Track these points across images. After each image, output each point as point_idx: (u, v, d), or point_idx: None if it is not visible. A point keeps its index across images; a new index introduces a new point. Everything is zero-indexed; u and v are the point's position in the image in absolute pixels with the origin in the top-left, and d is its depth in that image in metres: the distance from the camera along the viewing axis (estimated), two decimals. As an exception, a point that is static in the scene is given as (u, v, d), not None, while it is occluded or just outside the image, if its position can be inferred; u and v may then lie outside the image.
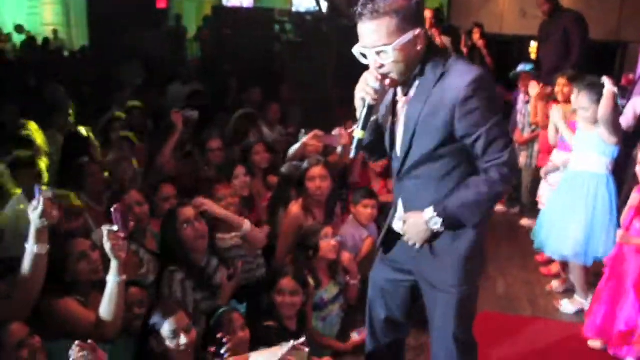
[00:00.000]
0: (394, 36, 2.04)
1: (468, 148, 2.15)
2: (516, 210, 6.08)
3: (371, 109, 2.17)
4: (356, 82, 2.17)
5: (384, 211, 3.73)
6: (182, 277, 3.03)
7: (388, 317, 2.60)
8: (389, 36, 2.04)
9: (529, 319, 3.99)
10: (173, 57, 11.25)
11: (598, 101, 3.59)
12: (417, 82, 2.17)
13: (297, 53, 8.59)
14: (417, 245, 2.30)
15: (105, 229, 2.53)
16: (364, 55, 2.12)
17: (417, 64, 2.14)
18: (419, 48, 2.11)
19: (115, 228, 2.55)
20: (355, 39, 2.11)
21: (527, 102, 5.76)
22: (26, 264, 2.47)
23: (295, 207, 3.81)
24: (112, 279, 2.56)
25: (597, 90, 3.63)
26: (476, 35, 7.24)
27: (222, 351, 2.70)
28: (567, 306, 4.04)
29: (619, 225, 3.49)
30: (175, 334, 2.54)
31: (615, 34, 8.85)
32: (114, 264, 2.55)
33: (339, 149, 4.61)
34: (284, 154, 4.81)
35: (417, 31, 2.08)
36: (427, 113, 2.13)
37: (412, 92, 2.20)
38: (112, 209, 2.62)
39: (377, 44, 2.06)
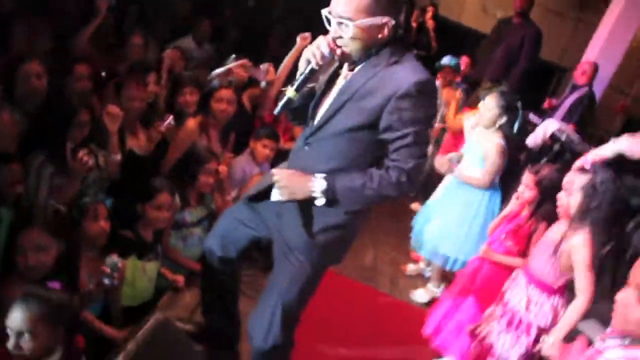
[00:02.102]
0: (361, 14, 2.01)
1: (381, 142, 2.13)
2: (412, 193, 6.24)
3: (312, 73, 2.15)
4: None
5: (280, 157, 3.78)
6: (41, 160, 2.96)
7: (221, 257, 2.64)
8: (356, 12, 2.01)
9: (378, 293, 4.16)
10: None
11: (502, 108, 3.72)
12: (367, 61, 2.13)
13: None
14: (282, 198, 2.26)
15: None
16: (328, 21, 2.08)
17: (374, 48, 2.11)
18: (380, 36, 2.08)
19: None
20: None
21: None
22: None
23: (192, 123, 3.77)
24: None
25: (506, 99, 3.75)
26: (428, 15, 7.28)
27: (112, 277, 2.77)
28: (420, 295, 4.21)
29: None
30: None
31: (558, 57, 9.06)
32: None
33: (263, 84, 4.59)
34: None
35: (385, 19, 2.05)
36: (363, 92, 2.11)
37: (358, 68, 2.17)
38: None
39: (342, 14, 2.03)
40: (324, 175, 2.17)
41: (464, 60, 6.21)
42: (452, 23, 9.33)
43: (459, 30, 9.37)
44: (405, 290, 4.29)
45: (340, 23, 2.05)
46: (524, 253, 3.17)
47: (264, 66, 4.58)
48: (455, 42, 8.22)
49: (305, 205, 2.25)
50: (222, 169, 3.78)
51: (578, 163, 3.00)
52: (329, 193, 2.16)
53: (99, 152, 3.31)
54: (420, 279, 4.45)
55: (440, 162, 4.05)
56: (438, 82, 5.96)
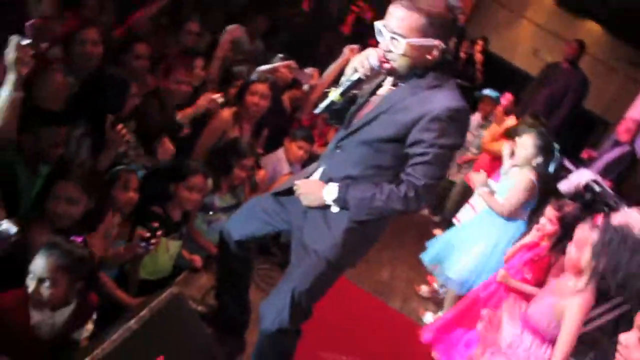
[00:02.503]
0: (414, 33, 2.07)
1: (405, 157, 2.18)
2: (437, 219, 6.26)
3: (358, 82, 2.23)
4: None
5: (312, 159, 3.84)
6: (83, 131, 3.06)
7: (238, 241, 2.69)
8: (410, 30, 2.06)
9: (388, 309, 4.17)
10: None
11: (539, 148, 3.72)
12: (411, 80, 2.19)
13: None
14: (302, 203, 2.36)
15: (14, 38, 2.36)
16: (381, 33, 2.14)
17: (420, 68, 2.16)
18: (429, 57, 2.13)
19: (26, 42, 2.37)
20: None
21: (482, 126, 5.86)
22: None
23: (226, 113, 3.85)
24: (6, 93, 2.40)
25: (543, 140, 3.74)
26: (477, 47, 7.30)
27: (152, 242, 2.88)
28: (430, 318, 4.20)
29: None
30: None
31: (603, 109, 9.00)
32: (11, 78, 2.38)
33: (305, 87, 4.67)
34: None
35: (436, 42, 2.10)
36: (399, 107, 2.16)
37: (400, 85, 2.23)
38: (28, 23, 2.51)
39: (396, 30, 2.08)
40: (338, 184, 2.26)
41: (507, 97, 6.20)
42: (500, 60, 9.36)
43: (507, 68, 9.39)
44: (416, 310, 4.30)
45: (392, 38, 2.10)
46: (540, 283, 3.16)
47: (309, 70, 4.68)
48: (501, 79, 8.23)
49: (327, 207, 2.33)
50: (262, 174, 3.87)
51: (596, 218, 2.95)
52: (340, 201, 2.25)
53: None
54: (432, 302, 4.45)
55: (473, 177, 4.07)
56: (477, 114, 6.00)
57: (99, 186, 2.81)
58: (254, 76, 4.04)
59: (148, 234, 2.91)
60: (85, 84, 3.30)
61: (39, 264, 2.19)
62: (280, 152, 4.20)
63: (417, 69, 2.16)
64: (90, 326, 2.49)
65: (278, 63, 4.52)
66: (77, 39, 3.27)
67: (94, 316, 2.52)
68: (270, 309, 2.41)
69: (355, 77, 2.22)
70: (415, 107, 2.13)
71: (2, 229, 2.24)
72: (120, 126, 3.07)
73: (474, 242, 3.92)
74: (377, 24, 2.14)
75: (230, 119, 3.83)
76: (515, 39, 9.74)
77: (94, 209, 2.71)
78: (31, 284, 2.21)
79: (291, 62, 4.53)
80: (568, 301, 2.62)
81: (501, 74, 8.71)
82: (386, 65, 2.17)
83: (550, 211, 3.26)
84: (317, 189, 2.31)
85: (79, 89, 3.26)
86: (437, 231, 5.86)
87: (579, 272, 2.66)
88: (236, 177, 3.66)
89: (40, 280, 2.19)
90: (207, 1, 5.58)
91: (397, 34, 2.08)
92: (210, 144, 3.74)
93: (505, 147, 4.34)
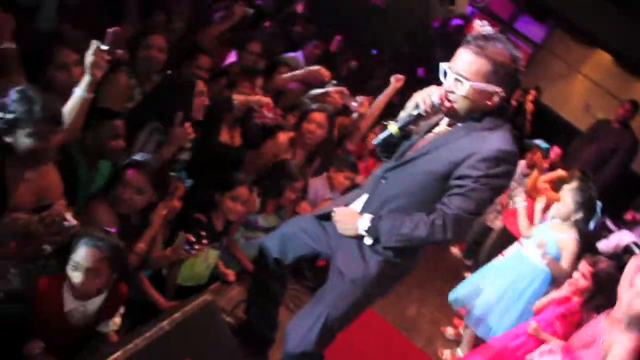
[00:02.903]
0: (479, 78, 2.13)
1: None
2: (469, 263, 6.20)
3: (417, 118, 2.29)
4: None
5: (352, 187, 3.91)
6: (156, 126, 3.18)
7: (276, 259, 2.75)
8: (475, 74, 2.13)
9: (410, 346, 4.15)
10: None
11: (580, 204, 3.70)
12: (467, 122, 2.24)
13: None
14: (339, 232, 2.42)
15: (95, 42, 2.51)
16: (445, 74, 2.21)
17: (478, 112, 2.21)
18: (489, 103, 2.18)
19: (105, 47, 2.53)
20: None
21: (526, 175, 5.82)
22: (70, 104, 2.54)
23: (283, 137, 3.92)
24: (79, 93, 2.55)
25: (585, 197, 3.73)
26: (530, 97, 7.27)
27: (196, 247, 2.99)
28: (448, 357, 4.18)
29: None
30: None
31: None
32: (86, 79, 2.53)
33: (355, 115, 4.73)
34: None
35: (498, 90, 2.15)
36: (453, 145, 2.21)
37: (456, 126, 2.28)
38: (109, 30, 2.65)
39: (460, 72, 2.15)
40: (371, 216, 2.31)
41: (555, 150, 6.18)
42: (551, 112, 9.29)
43: (555, 119, 9.31)
44: (438, 351, 4.25)
45: (457, 79, 2.16)
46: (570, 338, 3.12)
47: (360, 98, 4.73)
48: (549, 131, 8.18)
49: (361, 238, 2.38)
50: (304, 206, 3.97)
51: None
52: (372, 231, 2.30)
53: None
54: (456, 344, 4.40)
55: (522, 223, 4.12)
56: (522, 162, 5.97)
57: (165, 183, 2.94)
58: (312, 105, 4.11)
59: (193, 239, 2.99)
60: (147, 87, 3.44)
61: (85, 255, 2.28)
62: (323, 178, 4.25)
63: (475, 113, 2.21)
64: (117, 320, 2.59)
65: (330, 88, 4.60)
66: (144, 44, 3.41)
67: (122, 310, 2.61)
68: (297, 330, 2.45)
69: (415, 112, 2.28)
70: (467, 146, 2.17)
71: (68, 225, 2.34)
72: (188, 124, 3.19)
73: (499, 285, 3.90)
74: (443, 65, 2.21)
75: (286, 142, 3.91)
76: (568, 92, 9.67)
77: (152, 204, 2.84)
78: (75, 274, 2.30)
79: (343, 89, 4.59)
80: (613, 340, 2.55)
81: (549, 124, 8.66)
82: (446, 105, 2.22)
83: (584, 266, 3.23)
84: (353, 219, 2.37)
85: (150, 90, 3.41)
86: (467, 274, 5.81)
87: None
88: (286, 198, 3.73)
89: (87, 271, 2.28)
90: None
91: (462, 76, 2.14)
92: (261, 163, 3.82)
93: (540, 201, 4.34)
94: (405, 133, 2.38)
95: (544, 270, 3.80)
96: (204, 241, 3.04)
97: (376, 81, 6.24)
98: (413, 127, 2.37)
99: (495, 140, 2.15)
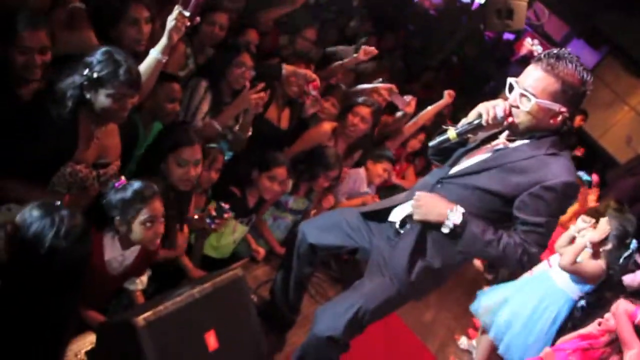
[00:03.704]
0: (545, 96, 2.13)
1: (504, 215, 2.25)
2: (490, 277, 6.17)
3: (478, 127, 2.28)
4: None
5: (388, 189, 3.91)
6: (207, 85, 3.25)
7: (312, 244, 2.77)
8: (542, 92, 2.13)
9: (423, 349, 4.15)
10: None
11: (613, 236, 3.67)
12: (529, 140, 2.24)
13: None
14: (415, 217, 2.36)
15: (178, 7, 2.58)
16: (511, 88, 2.21)
17: (541, 130, 2.21)
18: (552, 122, 2.19)
19: (187, 13, 2.59)
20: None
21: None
22: (144, 65, 2.60)
23: (327, 126, 3.94)
24: (154, 55, 2.62)
25: (619, 230, 3.68)
26: (576, 121, 7.17)
27: (217, 221, 3.01)
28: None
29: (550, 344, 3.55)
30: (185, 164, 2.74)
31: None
32: (164, 41, 2.61)
33: (399, 113, 4.72)
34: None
35: (563, 109, 2.16)
36: (514, 167, 2.22)
37: (518, 142, 2.28)
38: None
39: (528, 88, 2.15)
40: (464, 211, 2.25)
41: (594, 179, 6.12)
42: (588, 138, 9.15)
43: (594, 148, 9.17)
44: (451, 357, 4.27)
45: (523, 95, 2.16)
46: None
47: (407, 97, 4.70)
48: (587, 158, 8.08)
49: (420, 239, 2.39)
50: (330, 200, 3.98)
51: None
52: (458, 229, 2.25)
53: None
54: (468, 355, 4.39)
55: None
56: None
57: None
58: (360, 98, 4.11)
59: (214, 213, 3.01)
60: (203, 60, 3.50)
61: (153, 206, 2.36)
62: (362, 171, 4.26)
63: (537, 131, 2.21)
64: (144, 278, 2.65)
65: (379, 84, 4.59)
66: (208, 19, 3.46)
67: (149, 272, 2.67)
68: (328, 315, 2.46)
69: (477, 121, 2.27)
70: (530, 171, 2.18)
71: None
72: (260, 86, 3.24)
73: (522, 302, 3.87)
74: (510, 80, 2.21)
75: (329, 132, 3.93)
76: (611, 122, 9.50)
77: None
78: (139, 228, 2.37)
79: (392, 86, 4.58)
80: None
81: (586, 151, 8.53)
82: (509, 119, 2.22)
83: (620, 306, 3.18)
84: (442, 206, 2.29)
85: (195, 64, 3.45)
86: (487, 288, 5.79)
87: None
88: (319, 184, 3.74)
89: (152, 220, 2.36)
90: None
91: (528, 92, 2.14)
92: (302, 149, 3.84)
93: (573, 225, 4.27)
94: (461, 140, 2.38)
95: (569, 297, 3.78)
96: (226, 215, 3.04)
97: (425, 81, 6.23)
98: (471, 135, 2.37)
99: (559, 169, 2.16)
